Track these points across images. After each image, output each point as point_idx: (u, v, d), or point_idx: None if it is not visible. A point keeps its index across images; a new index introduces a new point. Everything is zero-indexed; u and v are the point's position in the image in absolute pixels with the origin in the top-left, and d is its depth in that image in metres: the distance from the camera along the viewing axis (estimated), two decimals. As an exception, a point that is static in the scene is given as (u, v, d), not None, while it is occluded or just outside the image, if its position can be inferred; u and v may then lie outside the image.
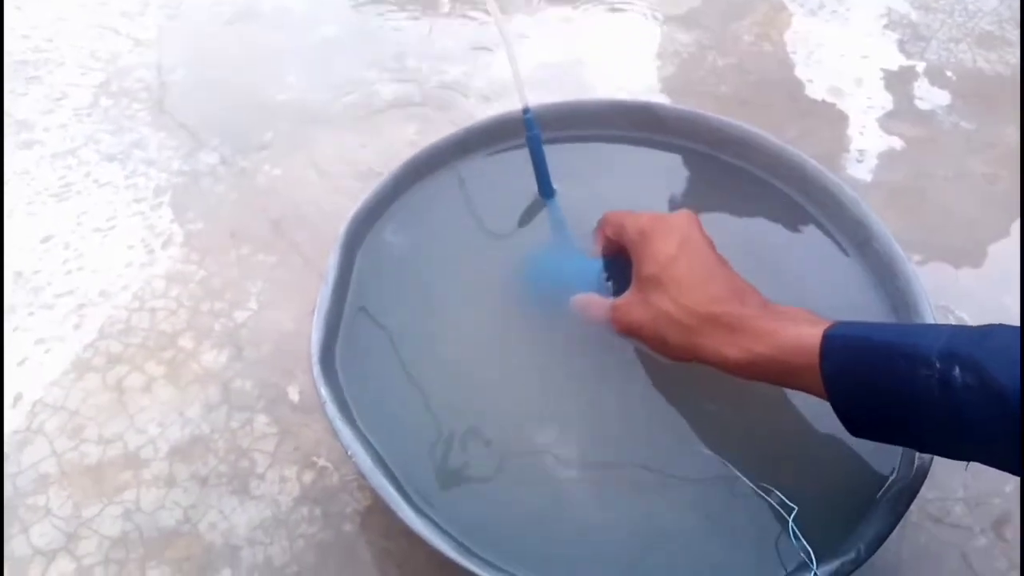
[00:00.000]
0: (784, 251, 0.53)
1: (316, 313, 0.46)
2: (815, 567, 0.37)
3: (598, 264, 0.51)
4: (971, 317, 0.58)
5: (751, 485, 0.41)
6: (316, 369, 0.44)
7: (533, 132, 0.50)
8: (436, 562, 0.46)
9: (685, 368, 0.44)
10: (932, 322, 0.46)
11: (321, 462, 0.51)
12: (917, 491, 0.40)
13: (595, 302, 0.48)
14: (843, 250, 0.53)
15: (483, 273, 0.51)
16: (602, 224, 0.50)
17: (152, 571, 0.47)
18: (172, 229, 0.63)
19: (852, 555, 0.38)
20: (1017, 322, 0.57)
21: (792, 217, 0.54)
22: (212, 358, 0.55)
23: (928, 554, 0.47)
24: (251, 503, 0.49)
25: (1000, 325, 0.34)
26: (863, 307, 0.50)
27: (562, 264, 0.52)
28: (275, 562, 0.47)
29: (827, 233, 0.54)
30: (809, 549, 0.37)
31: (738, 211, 0.55)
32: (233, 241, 0.62)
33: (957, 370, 0.32)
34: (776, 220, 0.54)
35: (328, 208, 0.64)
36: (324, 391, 0.43)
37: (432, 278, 0.51)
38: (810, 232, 0.54)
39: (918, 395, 0.34)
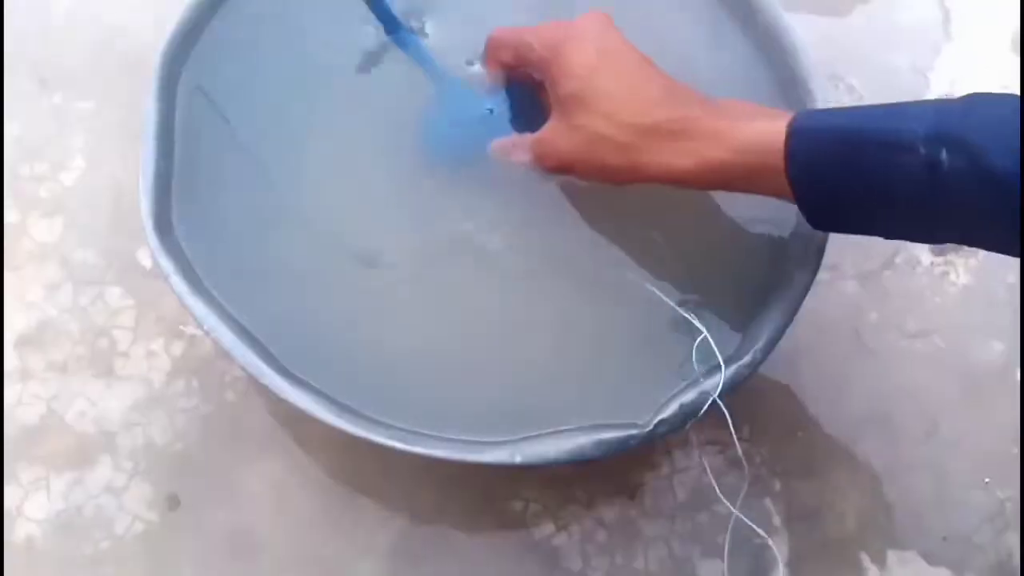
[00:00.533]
0: (665, 30, 0.48)
1: (141, 174, 0.40)
2: (723, 367, 0.37)
3: (499, 100, 0.43)
4: (863, 82, 0.55)
5: (672, 304, 0.39)
6: (152, 239, 0.39)
7: None
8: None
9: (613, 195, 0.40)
10: (820, 94, 0.43)
11: (190, 330, 0.46)
12: (809, 286, 0.39)
13: (514, 143, 0.41)
14: (728, 24, 0.48)
15: (342, 94, 0.44)
16: (492, 48, 0.42)
17: (24, 472, 0.43)
18: (-37, 83, 0.53)
19: (748, 359, 0.38)
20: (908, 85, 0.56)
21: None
22: (44, 230, 0.49)
23: (822, 334, 0.48)
24: (120, 384, 0.45)
25: (978, 94, 0.31)
26: (751, 84, 0.47)
27: (456, 114, 0.43)
28: (157, 442, 0.44)
29: (710, 8, 0.48)
30: (720, 358, 0.37)
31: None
32: (43, 88, 0.53)
33: (944, 153, 0.29)
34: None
35: (145, 35, 0.54)
36: (166, 262, 0.38)
37: (279, 109, 0.44)
38: (693, 8, 0.49)
39: (901, 183, 0.31)
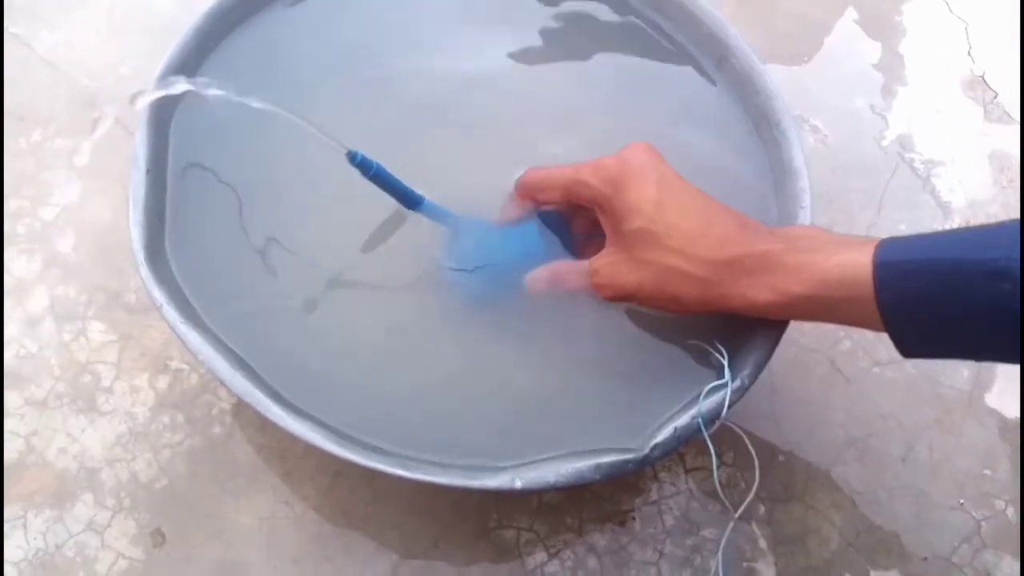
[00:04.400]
0: (635, 74, 0.50)
1: (132, 205, 0.40)
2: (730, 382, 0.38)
3: (532, 229, 0.42)
4: (826, 123, 0.58)
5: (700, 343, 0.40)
6: (144, 270, 0.38)
7: (373, 170, 0.39)
8: (316, 450, 0.43)
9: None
10: (796, 139, 0.45)
11: (174, 364, 0.46)
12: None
13: (566, 270, 0.40)
14: (699, 68, 0.50)
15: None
16: (532, 188, 0.41)
17: (0, 511, 0.42)
18: (-60, 118, 0.52)
19: (737, 383, 0.39)
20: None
21: (643, 37, 0.51)
22: (23, 266, 0.48)
23: (798, 364, 0.49)
24: (102, 420, 0.45)
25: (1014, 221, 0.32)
26: (725, 126, 0.49)
27: (491, 244, 0.42)
28: (141, 478, 0.43)
29: (682, 51, 0.51)
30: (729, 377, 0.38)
31: (582, 34, 0.51)
32: (22, 126, 0.53)
33: None
34: (626, 40, 0.51)
35: (127, 72, 0.55)
36: (158, 293, 0.38)
37: (268, 146, 0.45)
38: (663, 51, 0.51)
39: (999, 312, 0.31)
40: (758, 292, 0.36)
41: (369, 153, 0.39)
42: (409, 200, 0.41)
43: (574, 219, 0.42)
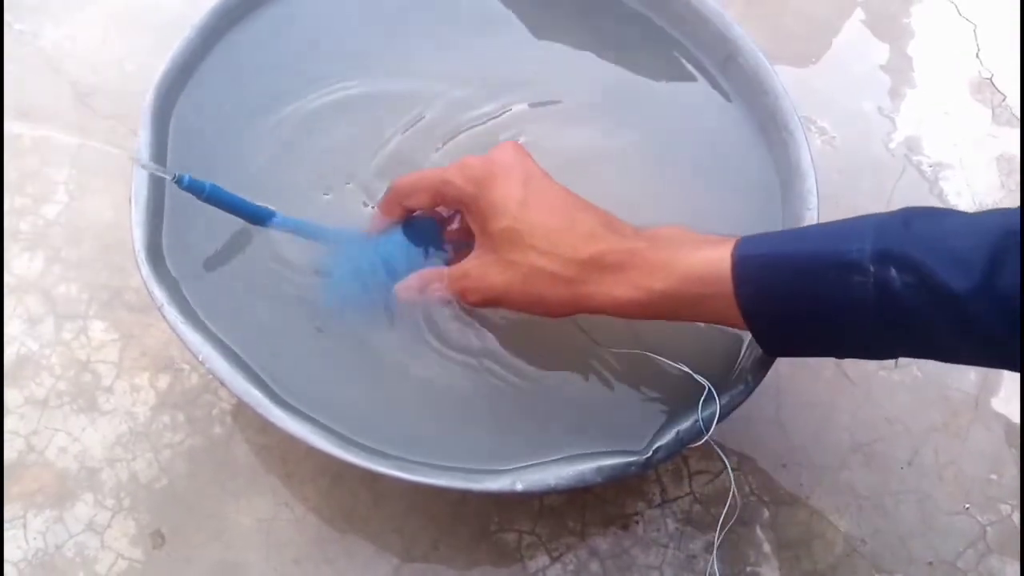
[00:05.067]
0: (639, 74, 0.50)
1: (134, 203, 0.40)
2: (717, 398, 0.37)
3: (397, 238, 0.41)
4: (833, 125, 0.58)
5: (669, 363, 0.39)
6: (145, 269, 0.38)
7: (206, 192, 0.38)
8: (318, 451, 0.43)
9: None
10: (803, 140, 0.45)
11: (175, 364, 0.46)
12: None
13: (431, 276, 0.39)
14: (703, 68, 0.50)
15: (329, 134, 0.45)
16: (401, 194, 0.40)
17: None
18: (-58, 115, 0.52)
19: (741, 387, 0.38)
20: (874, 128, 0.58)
21: (646, 35, 0.50)
22: (25, 264, 0.48)
23: (805, 368, 0.49)
24: (103, 419, 0.44)
25: (909, 209, 0.32)
26: (728, 127, 0.48)
27: (358, 258, 0.41)
28: (141, 478, 0.43)
29: (685, 51, 0.50)
30: (714, 392, 0.37)
31: (584, 32, 0.50)
32: (25, 122, 0.53)
33: (893, 271, 0.30)
34: (628, 39, 0.50)
35: (131, 69, 0.55)
36: (159, 293, 0.38)
37: (265, 142, 0.44)
38: (666, 50, 0.50)
39: (852, 304, 0.31)
40: (621, 289, 0.35)
41: (200, 176, 0.38)
42: (256, 217, 0.40)
43: (446, 225, 0.42)
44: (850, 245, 0.31)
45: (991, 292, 0.29)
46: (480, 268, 0.37)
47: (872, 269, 0.30)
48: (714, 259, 0.34)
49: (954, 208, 0.33)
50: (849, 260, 0.31)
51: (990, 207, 0.55)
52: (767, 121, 0.47)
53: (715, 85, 0.49)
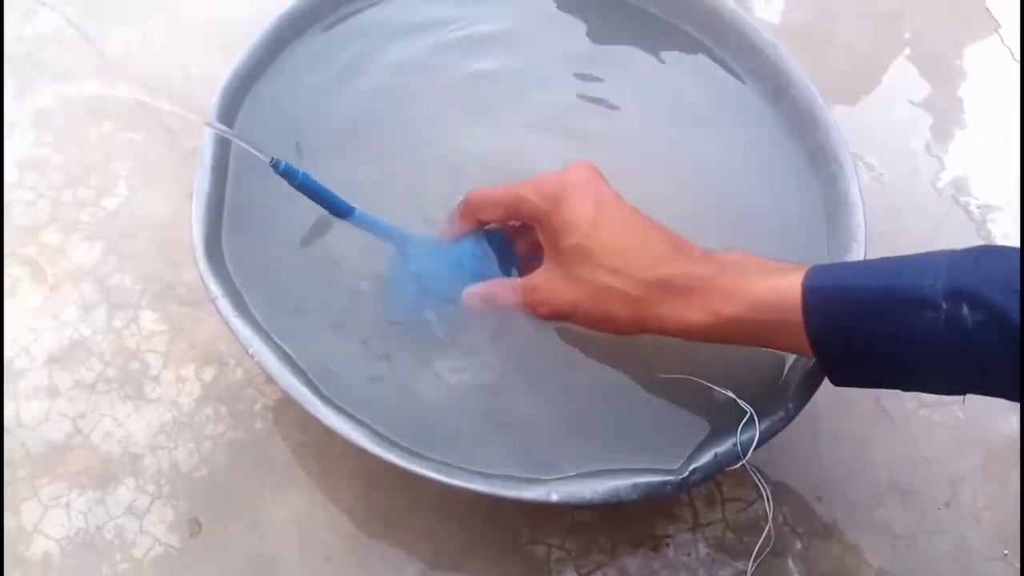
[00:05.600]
0: (693, 101, 0.50)
1: (195, 200, 0.41)
2: (757, 423, 0.37)
3: (469, 247, 0.42)
4: (881, 162, 0.58)
5: (714, 387, 0.39)
6: (202, 264, 0.39)
7: (299, 179, 0.39)
8: (355, 451, 0.43)
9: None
10: (853, 173, 0.45)
11: (221, 358, 0.47)
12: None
13: (501, 287, 0.40)
14: (757, 98, 0.50)
15: (389, 135, 0.46)
16: (474, 207, 0.41)
17: (45, 488, 0.43)
18: (16, 108, 0.54)
19: (781, 413, 0.38)
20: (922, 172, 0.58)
21: (701, 64, 0.51)
22: (83, 253, 0.50)
23: (844, 401, 0.49)
24: (148, 407, 0.45)
25: (985, 247, 0.32)
26: (779, 159, 0.49)
27: (424, 262, 0.42)
28: (182, 467, 0.44)
29: (740, 80, 0.51)
30: (753, 412, 0.37)
31: (642, 59, 0.51)
32: (92, 118, 0.55)
33: (965, 309, 0.30)
34: (683, 68, 0.51)
35: (197, 73, 0.56)
36: (214, 286, 0.39)
37: (327, 148, 0.46)
38: (721, 80, 0.51)
39: (923, 340, 0.31)
40: (690, 313, 0.36)
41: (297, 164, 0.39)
42: (338, 210, 0.40)
43: (516, 239, 0.42)
44: (923, 281, 0.31)
45: None
46: (549, 283, 0.38)
47: (944, 306, 0.30)
48: (784, 287, 0.34)
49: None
50: (921, 296, 0.31)
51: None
52: (816, 153, 0.47)
53: (769, 114, 0.50)
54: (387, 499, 0.44)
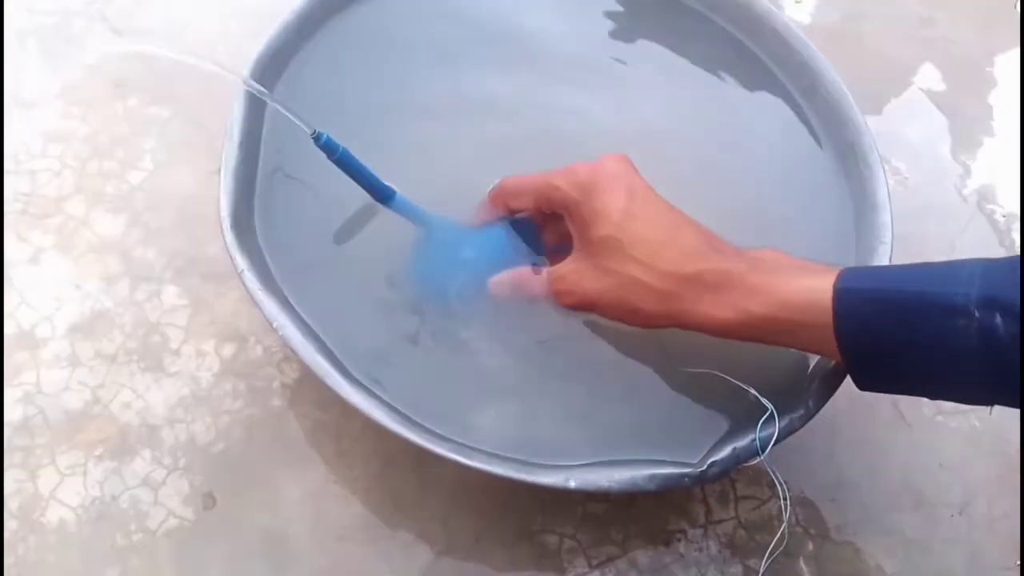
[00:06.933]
0: (723, 95, 0.50)
1: (223, 173, 0.41)
2: (777, 420, 0.37)
3: (498, 234, 0.42)
4: (908, 166, 0.57)
5: (736, 382, 0.38)
6: (229, 236, 0.39)
7: (338, 153, 0.39)
8: (372, 431, 0.44)
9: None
10: (881, 174, 0.45)
11: (241, 334, 0.47)
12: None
13: (528, 275, 0.40)
14: (787, 95, 0.50)
15: (421, 114, 0.46)
16: (506, 195, 0.41)
17: (63, 456, 0.43)
18: (43, 79, 0.55)
19: (801, 411, 0.38)
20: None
21: (732, 57, 0.51)
22: (107, 225, 0.50)
23: (862, 404, 0.48)
24: (167, 380, 0.45)
25: (1018, 256, 0.32)
26: (807, 157, 0.49)
27: (457, 243, 0.42)
28: (199, 440, 0.44)
29: (770, 76, 0.51)
30: (774, 411, 0.37)
31: (673, 49, 0.51)
32: (118, 92, 0.55)
33: (999, 318, 0.30)
34: (714, 60, 0.51)
35: (225, 50, 0.56)
36: (240, 259, 0.39)
37: (358, 127, 0.45)
38: (752, 74, 0.51)
39: (954, 348, 0.31)
40: (719, 309, 0.35)
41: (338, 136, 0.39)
42: (377, 192, 0.41)
43: (545, 229, 0.42)
44: (956, 288, 0.31)
45: None
46: (576, 273, 0.38)
47: (977, 314, 0.30)
48: (815, 288, 0.34)
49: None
50: (954, 303, 0.31)
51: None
52: (847, 152, 0.47)
53: (798, 112, 0.49)
54: (402, 481, 0.44)
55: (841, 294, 0.33)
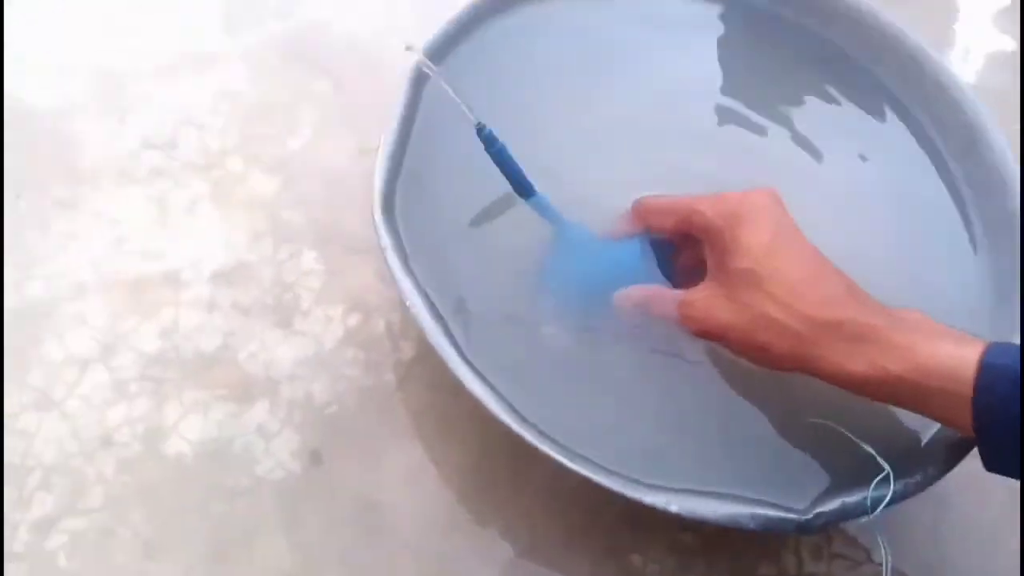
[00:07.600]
0: (869, 148, 0.49)
1: (380, 154, 0.43)
2: (892, 483, 0.36)
3: (632, 249, 0.42)
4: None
5: (856, 440, 0.38)
6: (378, 215, 0.41)
7: (496, 147, 0.41)
8: (477, 420, 0.45)
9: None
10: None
11: (368, 307, 0.49)
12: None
13: (658, 295, 0.40)
14: (937, 152, 0.49)
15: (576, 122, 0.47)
16: (646, 213, 0.41)
17: (188, 393, 0.46)
18: (222, 42, 0.58)
19: (918, 478, 0.37)
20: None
21: (884, 109, 0.50)
22: (261, 184, 0.53)
23: (975, 480, 0.46)
24: (294, 338, 0.48)
25: None
26: (955, 223, 0.47)
27: (590, 252, 0.43)
28: (315, 400, 0.46)
29: (921, 128, 0.49)
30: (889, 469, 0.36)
31: (820, 94, 0.50)
32: (285, 63, 0.58)
33: None
34: (864, 109, 0.50)
35: (389, 39, 0.59)
36: (387, 237, 0.41)
37: (510, 124, 0.47)
38: (900, 127, 0.50)
39: None
40: (853, 363, 0.34)
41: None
42: (521, 188, 0.42)
43: (680, 252, 0.42)
44: None
45: None
46: (707, 300, 0.38)
47: None
48: (959, 356, 0.33)
49: None
50: None
51: None
52: (999, 222, 0.45)
53: (947, 173, 0.48)
54: (496, 474, 0.45)
55: (987, 368, 0.32)
